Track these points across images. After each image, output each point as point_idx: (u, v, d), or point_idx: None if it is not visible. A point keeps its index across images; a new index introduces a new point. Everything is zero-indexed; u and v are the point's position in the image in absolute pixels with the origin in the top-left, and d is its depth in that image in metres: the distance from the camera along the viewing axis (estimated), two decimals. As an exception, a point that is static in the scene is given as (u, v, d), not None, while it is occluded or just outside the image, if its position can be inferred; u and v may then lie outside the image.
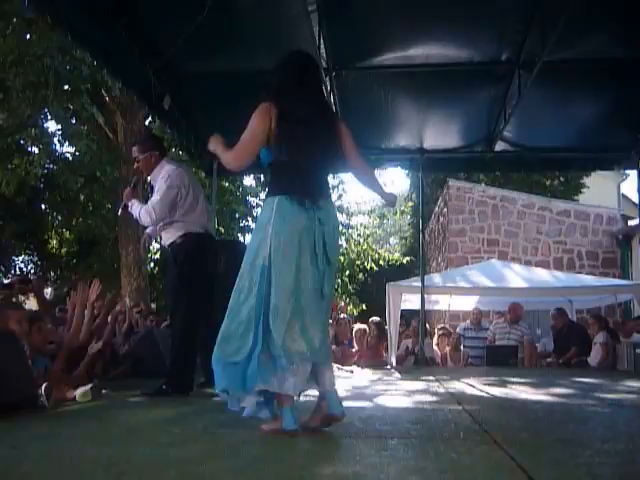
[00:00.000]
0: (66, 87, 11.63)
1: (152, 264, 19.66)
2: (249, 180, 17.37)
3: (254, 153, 2.87)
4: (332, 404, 2.78)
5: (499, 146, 7.96)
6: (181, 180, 4.46)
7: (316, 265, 2.76)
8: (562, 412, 3.84)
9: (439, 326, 10.22)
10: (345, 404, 2.93)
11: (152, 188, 4.71)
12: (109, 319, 5.67)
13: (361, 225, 20.91)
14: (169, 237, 4.52)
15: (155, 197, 4.43)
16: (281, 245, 2.71)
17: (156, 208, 4.41)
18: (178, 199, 4.42)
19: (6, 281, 10.64)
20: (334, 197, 19.70)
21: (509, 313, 9.50)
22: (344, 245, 19.26)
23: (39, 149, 12.78)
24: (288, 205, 2.74)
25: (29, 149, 13.34)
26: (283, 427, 2.65)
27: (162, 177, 4.48)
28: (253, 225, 19.33)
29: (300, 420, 2.71)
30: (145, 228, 4.79)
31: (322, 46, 5.79)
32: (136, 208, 4.54)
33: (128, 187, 4.82)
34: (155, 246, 21.13)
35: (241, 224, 17.83)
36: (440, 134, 7.95)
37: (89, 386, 3.97)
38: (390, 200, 3.27)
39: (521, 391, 5.09)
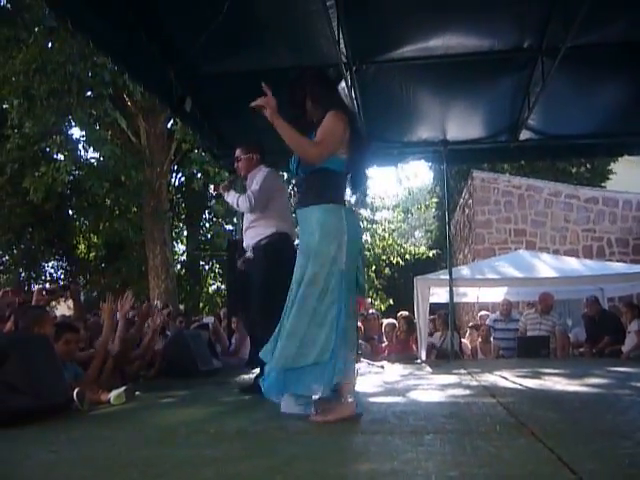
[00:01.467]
0: (89, 93, 11.76)
1: (179, 266, 19.83)
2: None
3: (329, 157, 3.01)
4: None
5: (523, 135, 7.85)
6: (276, 179, 4.85)
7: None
8: (599, 402, 3.78)
9: (469, 322, 10.18)
10: (377, 400, 2.96)
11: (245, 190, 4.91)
12: (147, 325, 5.75)
13: (385, 220, 20.84)
14: (258, 234, 4.63)
15: (254, 187, 4.63)
16: (353, 253, 2.97)
17: (256, 196, 4.60)
18: (275, 194, 4.67)
19: (46, 287, 10.82)
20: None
21: (540, 303, 9.39)
22: (369, 240, 19.22)
23: (65, 156, 12.95)
24: (352, 216, 3.06)
25: (55, 156, 13.53)
26: (357, 411, 2.96)
27: (262, 173, 4.74)
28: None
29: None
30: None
31: (341, 41, 5.76)
32: (233, 196, 4.78)
33: (225, 182, 5.26)
34: (181, 248, 21.36)
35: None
36: (463, 125, 7.86)
37: (123, 388, 4.01)
38: None
39: (555, 382, 5.03)
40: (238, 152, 4.97)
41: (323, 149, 2.96)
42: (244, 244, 4.81)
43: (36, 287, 5.82)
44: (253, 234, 4.67)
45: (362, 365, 6.83)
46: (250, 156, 4.88)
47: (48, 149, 13.28)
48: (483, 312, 10.63)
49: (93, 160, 14.88)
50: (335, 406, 2.93)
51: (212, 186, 4.93)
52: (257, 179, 4.70)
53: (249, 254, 4.73)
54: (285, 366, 2.92)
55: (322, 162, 2.99)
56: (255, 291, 4.65)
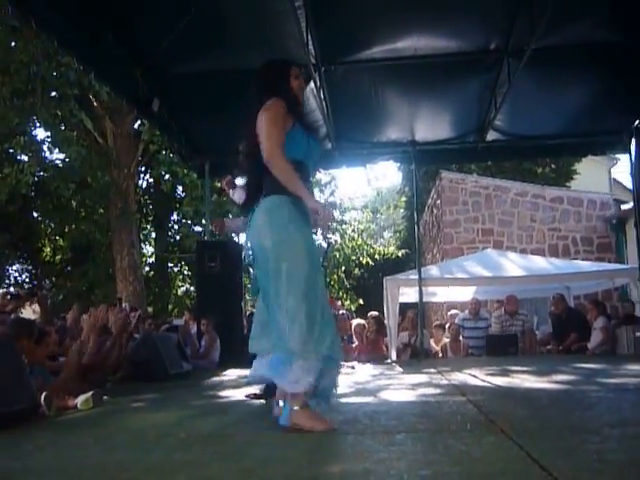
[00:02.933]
0: (53, 93, 11.57)
1: (147, 268, 19.61)
2: (241, 180, 17.32)
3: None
4: None
5: (491, 135, 7.95)
6: None
7: None
8: (566, 399, 3.83)
9: (451, 315, 10.29)
10: (348, 400, 2.94)
11: None
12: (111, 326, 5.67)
13: (355, 220, 20.91)
14: None
15: None
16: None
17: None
18: None
19: (11, 291, 10.60)
20: (327, 193, 19.71)
21: (507, 305, 9.50)
22: (339, 241, 19.26)
23: (29, 157, 12.72)
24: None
25: (19, 157, 13.28)
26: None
27: None
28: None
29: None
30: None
31: (310, 42, 5.76)
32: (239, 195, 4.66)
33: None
34: (149, 250, 21.12)
35: (234, 224, 17.76)
36: (431, 126, 7.93)
37: (90, 393, 3.94)
38: None
39: (524, 379, 5.09)
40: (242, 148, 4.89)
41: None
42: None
43: (0, 291, 5.68)
44: None
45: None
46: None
47: (12, 150, 13.04)
48: (453, 311, 10.71)
49: (58, 161, 14.64)
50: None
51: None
52: None
53: None
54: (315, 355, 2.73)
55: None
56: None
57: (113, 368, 5.64)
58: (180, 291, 20.89)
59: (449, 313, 10.81)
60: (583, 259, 13.09)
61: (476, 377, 5.36)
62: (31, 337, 4.25)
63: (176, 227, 19.09)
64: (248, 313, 10.36)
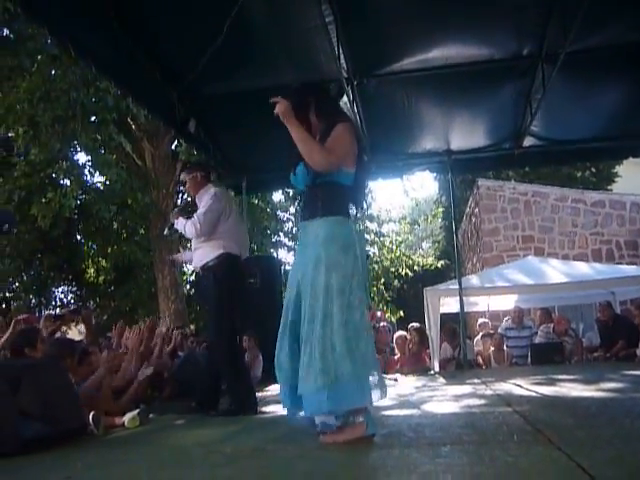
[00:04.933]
0: (93, 118, 11.84)
1: (188, 286, 19.84)
2: (278, 195, 17.46)
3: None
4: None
5: (527, 141, 7.86)
6: (227, 201, 4.67)
7: None
8: (616, 407, 3.74)
9: (480, 325, 10.09)
10: (392, 413, 2.91)
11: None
12: (155, 343, 5.75)
13: (393, 232, 20.83)
14: (206, 255, 4.54)
15: (201, 210, 4.56)
16: (363, 266, 2.94)
17: (201, 220, 4.53)
18: (222, 216, 4.55)
19: (57, 313, 10.84)
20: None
21: (557, 325, 9.25)
22: (377, 253, 19.20)
23: (71, 181, 13.01)
24: (358, 230, 3.03)
25: (61, 182, 13.60)
26: (368, 432, 2.76)
27: (209, 195, 4.64)
28: (285, 240, 19.40)
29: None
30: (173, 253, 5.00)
31: (341, 56, 5.80)
32: (181, 223, 4.69)
33: (175, 210, 5.12)
34: (189, 268, 21.38)
35: (273, 239, 17.92)
36: (467, 134, 7.88)
37: (136, 411, 4.00)
38: None
39: (570, 388, 4.99)
40: (183, 175, 4.94)
41: (332, 156, 2.87)
42: (192, 265, 4.85)
43: (45, 313, 5.80)
44: (201, 256, 4.61)
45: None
46: (194, 175, 4.79)
47: (54, 175, 13.35)
48: (481, 320, 10.51)
49: (99, 184, 14.99)
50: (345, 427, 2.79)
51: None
52: (204, 201, 4.61)
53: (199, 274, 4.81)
54: (355, 377, 2.73)
55: (328, 170, 2.90)
56: (209, 312, 4.76)
57: (159, 386, 5.72)
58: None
59: (478, 322, 10.57)
60: (628, 263, 12.78)
61: (521, 387, 5.28)
62: (73, 357, 4.35)
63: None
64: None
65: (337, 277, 2.82)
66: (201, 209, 4.57)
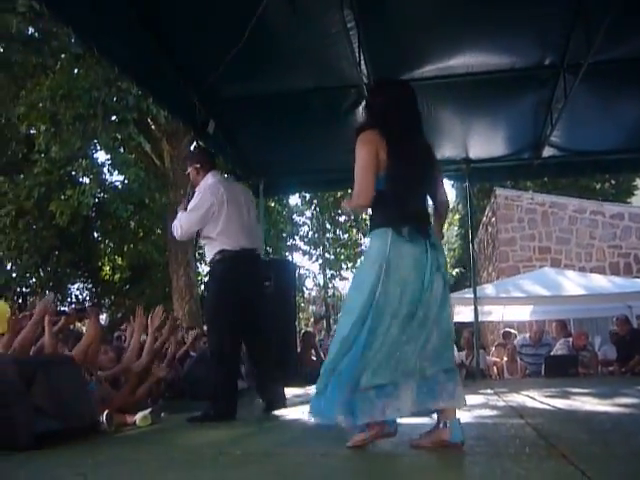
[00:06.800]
0: (113, 118, 11.95)
1: (202, 287, 19.91)
2: (295, 199, 17.52)
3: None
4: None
5: (547, 152, 7.80)
6: (215, 196, 4.35)
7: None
8: (631, 423, 3.70)
9: (494, 341, 10.00)
10: (402, 421, 2.87)
11: None
12: (170, 342, 5.76)
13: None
14: (209, 254, 4.47)
15: (189, 208, 4.42)
16: (398, 280, 2.75)
17: (182, 220, 4.42)
18: (210, 215, 4.31)
19: (63, 309, 10.90)
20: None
21: (576, 340, 9.06)
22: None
23: (90, 179, 13.14)
24: (404, 241, 2.76)
25: (80, 180, 13.75)
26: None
27: (199, 190, 4.47)
28: (300, 243, 19.45)
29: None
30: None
31: (362, 62, 5.79)
32: (176, 220, 4.53)
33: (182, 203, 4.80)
34: (204, 269, 21.48)
35: (288, 243, 17.97)
36: (485, 143, 7.84)
37: (148, 410, 4.01)
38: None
39: (585, 402, 4.94)
40: (187, 168, 4.75)
41: (356, 191, 2.84)
42: None
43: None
44: (207, 252, 4.52)
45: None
46: (192, 169, 4.60)
47: (74, 173, 13.51)
48: (507, 329, 10.38)
49: (118, 183, 15.12)
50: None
51: None
52: (194, 197, 4.45)
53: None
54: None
55: (363, 201, 2.84)
56: (206, 310, 4.68)
57: (167, 384, 5.72)
58: (234, 310, 21.07)
59: (501, 332, 10.44)
60: (646, 277, 12.67)
61: (534, 399, 5.23)
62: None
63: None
64: (302, 332, 10.39)
65: (352, 291, 2.86)
66: (189, 207, 4.42)
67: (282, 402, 4.58)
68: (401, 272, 2.73)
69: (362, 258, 2.98)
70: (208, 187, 4.43)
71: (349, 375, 2.68)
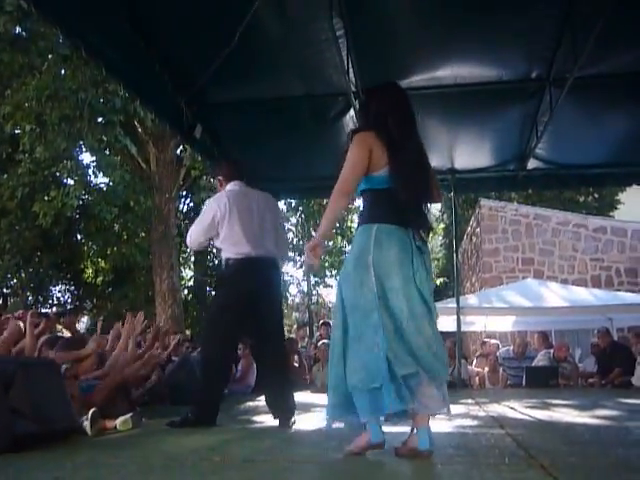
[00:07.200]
0: (100, 119, 11.90)
1: (186, 291, 19.83)
2: (280, 205, 17.51)
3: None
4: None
5: (531, 164, 7.86)
6: (219, 206, 4.41)
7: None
8: (610, 435, 3.72)
9: (476, 351, 10.02)
10: (384, 430, 2.87)
11: None
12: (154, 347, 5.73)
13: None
14: (222, 260, 4.56)
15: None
16: (388, 273, 2.80)
17: (191, 232, 4.56)
18: (216, 225, 4.38)
19: (45, 311, 10.81)
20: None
21: (557, 351, 9.10)
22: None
23: (74, 181, 13.07)
24: (388, 235, 2.82)
25: (65, 181, 13.66)
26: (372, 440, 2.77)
27: (207, 202, 4.62)
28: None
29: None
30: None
31: (351, 70, 5.81)
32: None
33: None
34: (188, 273, 21.39)
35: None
36: (471, 154, 7.89)
37: (129, 415, 3.98)
38: None
39: (564, 413, 4.97)
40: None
41: (339, 185, 2.91)
42: None
43: (29, 312, 5.72)
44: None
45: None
46: (217, 179, 4.76)
47: (58, 174, 13.42)
48: (486, 339, 10.41)
49: (102, 185, 15.03)
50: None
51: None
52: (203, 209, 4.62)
53: None
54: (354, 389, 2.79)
55: (345, 193, 2.91)
56: (206, 313, 4.71)
57: (148, 388, 5.70)
58: (218, 315, 20.98)
59: (484, 342, 10.44)
60: (627, 290, 12.79)
61: (515, 409, 5.26)
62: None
63: (215, 251, 19.32)
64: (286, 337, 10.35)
65: (346, 290, 2.88)
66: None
67: (292, 413, 4.31)
68: (384, 267, 2.78)
69: (347, 255, 3.03)
70: (214, 199, 4.56)
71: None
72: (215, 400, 4.33)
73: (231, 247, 4.38)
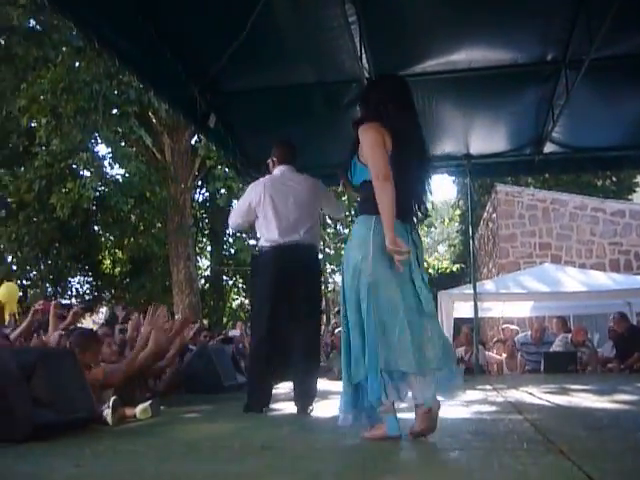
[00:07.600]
0: (114, 111, 11.96)
1: (203, 280, 19.93)
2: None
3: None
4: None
5: (548, 148, 7.77)
6: (255, 191, 4.49)
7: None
8: (628, 420, 3.70)
9: (494, 337, 9.98)
10: (401, 416, 2.88)
11: None
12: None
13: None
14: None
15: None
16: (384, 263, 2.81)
17: (231, 214, 4.73)
18: (253, 210, 4.45)
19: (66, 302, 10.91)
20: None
21: (575, 335, 9.02)
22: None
23: (91, 172, 13.16)
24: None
25: (81, 173, 13.76)
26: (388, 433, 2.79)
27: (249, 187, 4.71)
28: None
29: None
30: None
31: (364, 57, 5.77)
32: None
33: None
34: (205, 263, 21.48)
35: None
36: (487, 139, 7.81)
37: (148, 403, 4.01)
38: None
39: (583, 398, 4.94)
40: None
41: (374, 174, 2.88)
42: None
43: (52, 303, 5.79)
44: None
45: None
46: (270, 160, 4.77)
47: (75, 166, 13.51)
48: (505, 325, 10.37)
49: (118, 177, 15.13)
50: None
51: None
52: None
53: None
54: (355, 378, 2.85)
55: (384, 177, 2.84)
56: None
57: (162, 371, 5.73)
58: (235, 304, 21.13)
59: (502, 327, 10.42)
60: (646, 274, 12.66)
61: (533, 395, 5.23)
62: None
63: (231, 240, 19.40)
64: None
65: (348, 278, 2.92)
66: None
67: (312, 399, 4.28)
68: (381, 257, 2.80)
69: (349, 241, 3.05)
70: (254, 185, 4.62)
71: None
72: (261, 389, 4.32)
73: (264, 234, 4.43)
